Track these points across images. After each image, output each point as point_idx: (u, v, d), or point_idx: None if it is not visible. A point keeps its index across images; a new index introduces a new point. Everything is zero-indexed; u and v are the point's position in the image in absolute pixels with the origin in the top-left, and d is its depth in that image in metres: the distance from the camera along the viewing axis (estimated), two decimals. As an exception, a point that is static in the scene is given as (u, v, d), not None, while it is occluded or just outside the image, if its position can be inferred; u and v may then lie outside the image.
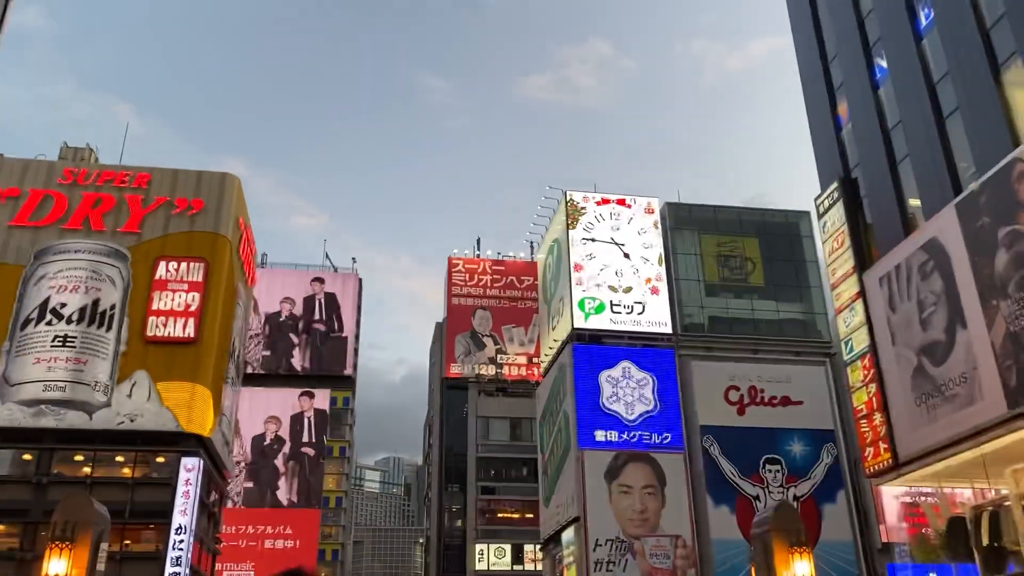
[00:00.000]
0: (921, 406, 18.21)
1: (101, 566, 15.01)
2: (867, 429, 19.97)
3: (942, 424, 17.33)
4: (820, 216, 22.84)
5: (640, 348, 45.35)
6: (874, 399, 19.69)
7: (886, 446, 19.01)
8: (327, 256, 69.52)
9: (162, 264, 43.98)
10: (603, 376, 44.40)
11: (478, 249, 67.81)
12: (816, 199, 23.25)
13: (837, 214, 21.88)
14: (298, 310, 63.93)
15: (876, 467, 19.51)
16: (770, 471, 43.29)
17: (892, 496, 43.06)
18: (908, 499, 39.73)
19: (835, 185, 22.17)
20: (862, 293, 20.55)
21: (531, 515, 57.61)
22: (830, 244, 22.23)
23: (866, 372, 20.07)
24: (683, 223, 48.92)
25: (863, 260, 20.79)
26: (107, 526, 15.18)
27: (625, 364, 44.83)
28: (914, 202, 19.70)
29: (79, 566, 13.86)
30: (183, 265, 44.14)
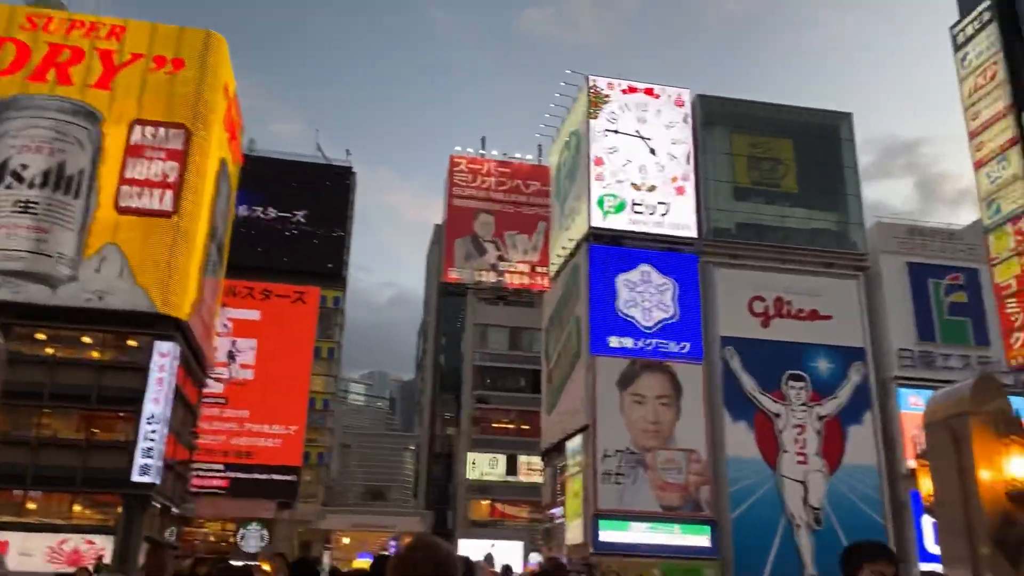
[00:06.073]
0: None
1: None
2: (1016, 309, 15.12)
3: None
4: (959, 48, 17.39)
5: (662, 251, 40.25)
6: (1030, 272, 14.79)
7: (1047, 330, 14.29)
8: (319, 147, 62.94)
9: (137, 128, 37.75)
10: (620, 279, 39.32)
11: (483, 148, 61.71)
12: (953, 27, 17.72)
13: (986, 42, 16.46)
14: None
15: (1026, 358, 14.81)
16: (793, 387, 38.76)
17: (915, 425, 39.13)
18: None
19: (986, 3, 16.73)
20: (1020, 137, 15.39)
21: (527, 427, 53.23)
22: (972, 81, 16.88)
23: (1020, 237, 15.11)
24: (714, 119, 43.07)
25: (1021, 97, 15.66)
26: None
27: (645, 267, 39.74)
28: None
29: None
30: (161, 131, 37.93)
